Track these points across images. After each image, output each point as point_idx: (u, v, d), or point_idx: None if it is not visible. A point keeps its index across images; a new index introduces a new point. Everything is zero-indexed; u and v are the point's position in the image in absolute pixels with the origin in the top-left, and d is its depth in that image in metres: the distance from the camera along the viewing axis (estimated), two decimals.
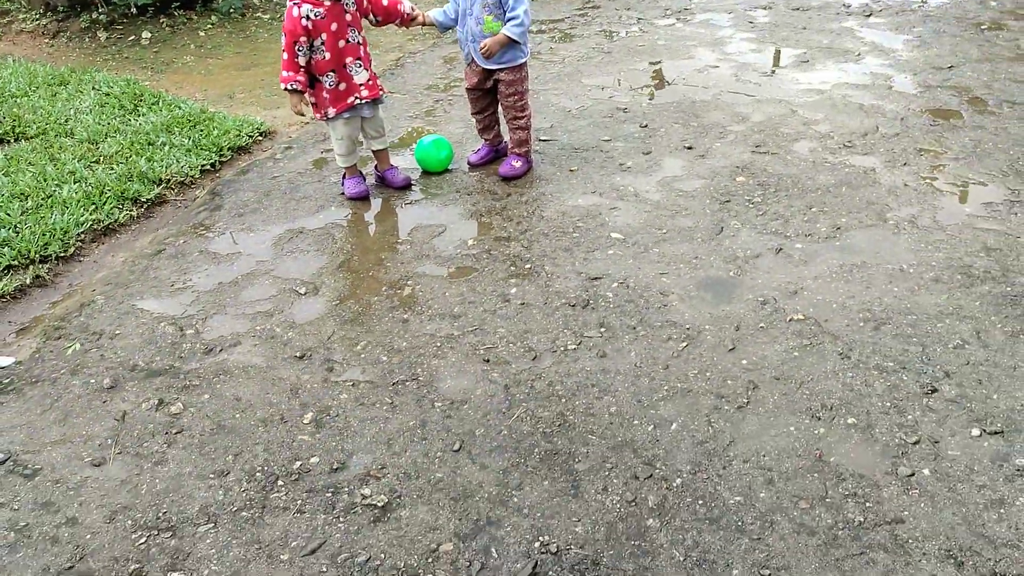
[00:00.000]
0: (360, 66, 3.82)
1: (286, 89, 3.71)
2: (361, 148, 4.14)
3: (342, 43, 3.73)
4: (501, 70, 4.02)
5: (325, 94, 3.80)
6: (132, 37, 6.22)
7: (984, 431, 2.56)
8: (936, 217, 3.67)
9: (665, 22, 6.49)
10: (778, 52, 5.69)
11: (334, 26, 3.68)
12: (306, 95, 3.78)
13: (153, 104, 4.85)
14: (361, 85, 3.84)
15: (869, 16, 6.37)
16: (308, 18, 3.62)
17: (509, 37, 3.88)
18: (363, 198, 4.03)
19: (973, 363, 2.82)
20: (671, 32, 6.24)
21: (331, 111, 3.83)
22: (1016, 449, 2.49)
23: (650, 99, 5.03)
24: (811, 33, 6.05)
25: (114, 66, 5.72)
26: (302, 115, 3.85)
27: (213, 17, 6.59)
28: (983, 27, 6.00)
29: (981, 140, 4.30)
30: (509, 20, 3.86)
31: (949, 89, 4.95)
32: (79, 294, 3.40)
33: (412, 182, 4.16)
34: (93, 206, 3.84)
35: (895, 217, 3.68)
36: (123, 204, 3.91)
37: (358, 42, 3.80)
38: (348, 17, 3.73)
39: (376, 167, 4.18)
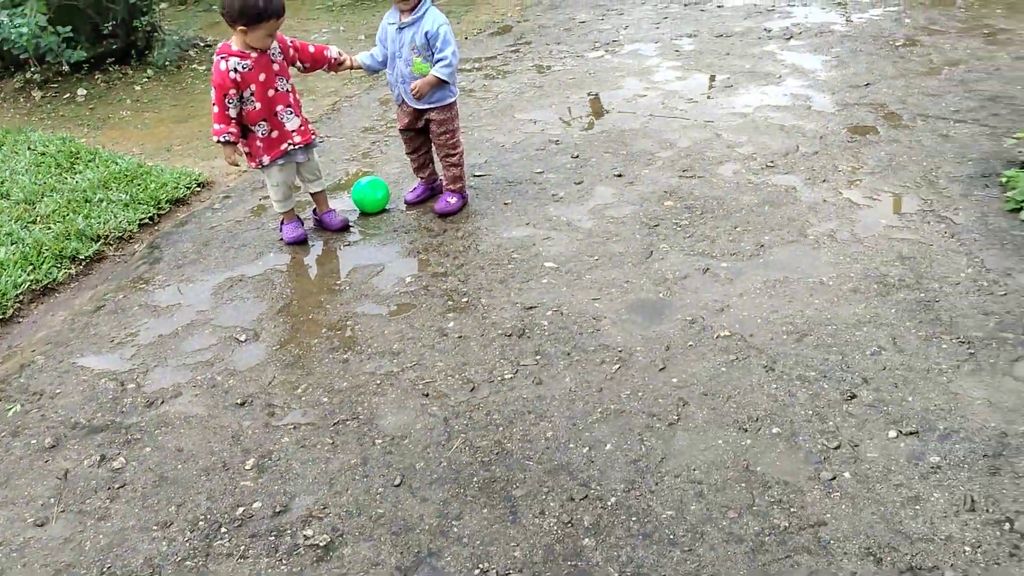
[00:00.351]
0: (291, 113, 3.90)
1: (218, 141, 3.78)
2: (298, 193, 4.21)
3: (271, 92, 3.81)
4: (431, 109, 4.13)
5: (259, 143, 3.87)
6: (67, 95, 6.25)
7: (900, 432, 2.68)
8: (854, 230, 3.82)
9: (594, 55, 6.66)
10: (712, 78, 5.87)
11: (262, 76, 3.75)
12: (239, 145, 3.85)
13: (90, 161, 4.88)
14: (293, 131, 3.92)
15: (789, 39, 6.60)
16: (236, 71, 3.69)
17: (438, 78, 3.99)
18: (301, 242, 4.09)
19: (889, 368, 2.95)
20: (600, 64, 6.41)
21: (265, 159, 3.90)
22: (930, 448, 2.61)
23: (582, 130, 5.17)
24: (734, 58, 6.25)
25: (50, 124, 5.74)
26: (236, 165, 3.91)
27: (149, 71, 6.63)
28: (898, 44, 6.25)
29: (896, 153, 4.48)
30: (437, 61, 3.98)
31: (865, 106, 5.15)
32: (19, 355, 3.42)
33: (350, 224, 4.23)
34: (31, 266, 3.86)
35: (815, 232, 3.83)
36: (61, 263, 3.93)
37: (287, 90, 3.88)
38: (276, 67, 3.81)
39: (314, 211, 4.25)
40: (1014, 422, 2.68)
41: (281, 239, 4.13)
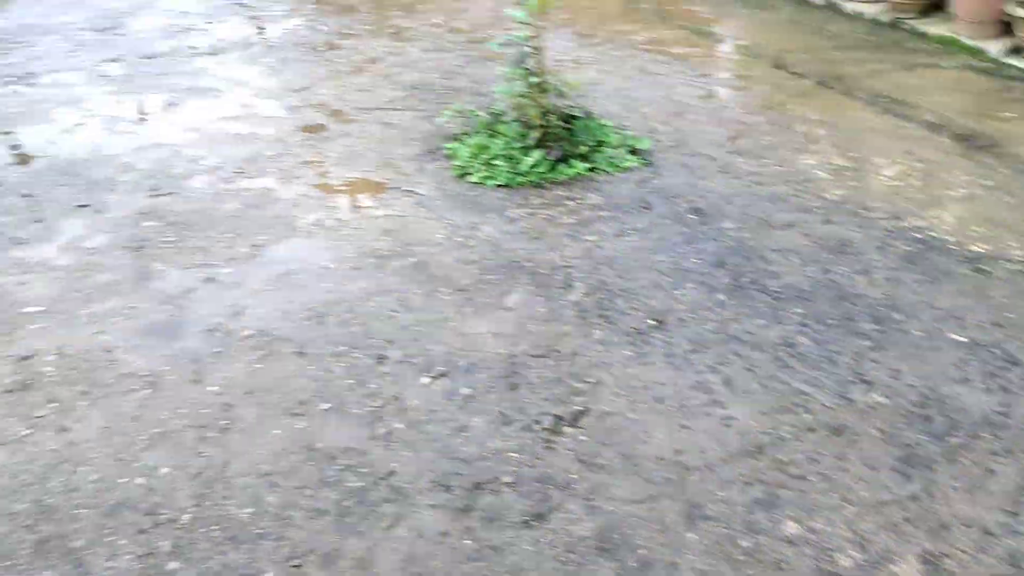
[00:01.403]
0: None
1: None
2: None
3: None
4: None
5: None
6: None
7: (432, 377, 2.98)
8: (338, 216, 4.07)
9: (9, 88, 6.05)
10: (156, 100, 5.69)
11: None
12: None
13: None
14: None
15: (218, 55, 6.66)
16: None
17: None
18: None
19: (406, 327, 3.24)
20: (21, 99, 5.84)
21: None
22: (460, 383, 2.95)
23: (23, 167, 4.69)
24: (169, 77, 6.14)
25: None
26: None
27: None
28: (321, 49, 6.68)
29: (352, 144, 4.83)
30: None
31: (311, 107, 5.44)
32: None
33: None
34: None
35: (304, 224, 4.00)
36: None
37: None
38: None
39: None
40: (516, 344, 3.13)
41: None
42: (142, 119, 5.36)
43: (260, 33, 7.30)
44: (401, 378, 2.97)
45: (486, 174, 4.31)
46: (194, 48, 6.87)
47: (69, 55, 6.83)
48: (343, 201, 4.21)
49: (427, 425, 2.76)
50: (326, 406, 2.85)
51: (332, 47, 6.67)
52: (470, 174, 4.34)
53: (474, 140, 4.53)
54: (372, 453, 2.66)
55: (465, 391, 2.91)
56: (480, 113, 4.67)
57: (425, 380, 2.96)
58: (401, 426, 2.76)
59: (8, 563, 2.28)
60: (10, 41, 7.34)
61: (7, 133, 5.23)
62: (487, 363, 3.03)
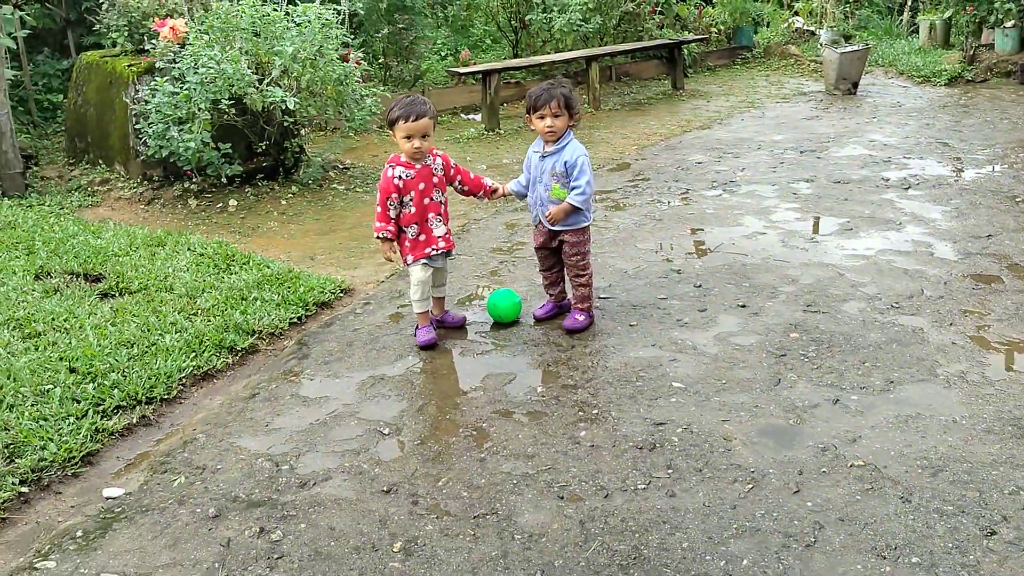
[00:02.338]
0: (440, 221, 4.33)
1: (378, 237, 4.26)
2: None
3: (427, 200, 4.27)
4: (565, 231, 4.40)
5: (407, 243, 4.30)
6: (220, 204, 6.77)
7: None
8: (984, 373, 3.86)
9: (712, 193, 6.91)
10: (834, 222, 6.03)
11: (421, 186, 4.23)
12: (395, 243, 4.27)
13: (244, 264, 5.27)
14: (439, 237, 4.34)
15: (908, 189, 6.74)
16: (400, 178, 4.19)
17: (572, 205, 4.29)
18: (431, 346, 4.34)
19: None
20: (718, 202, 6.65)
21: (410, 258, 4.31)
22: None
23: (703, 262, 5.35)
24: (853, 204, 6.42)
25: (204, 230, 6.21)
26: (391, 260, 4.35)
27: (294, 187, 7.14)
28: (1018, 199, 6.33)
29: (1022, 303, 4.52)
30: (572, 189, 4.28)
31: (988, 256, 5.22)
32: (181, 432, 3.68)
33: (467, 321, 4.59)
34: (193, 354, 4.16)
35: (945, 373, 3.88)
36: (220, 352, 4.23)
37: (440, 201, 4.33)
38: (435, 180, 4.29)
39: (432, 314, 4.49)
40: None
41: (417, 341, 4.37)
42: (816, 239, 5.70)
43: (956, 174, 7.18)
44: (1007, 560, 2.72)
45: None
46: (885, 180, 7.05)
47: (769, 170, 7.54)
48: (995, 359, 3.97)
49: None
50: (915, 560, 2.75)
51: None
52: None
53: None
54: None
55: None
56: None
57: None
58: None
59: None
60: (725, 151, 8.37)
61: (698, 230, 6.00)
62: None
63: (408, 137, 4.13)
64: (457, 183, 4.44)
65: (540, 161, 4.39)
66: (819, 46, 12.83)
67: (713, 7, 13.64)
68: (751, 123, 9.61)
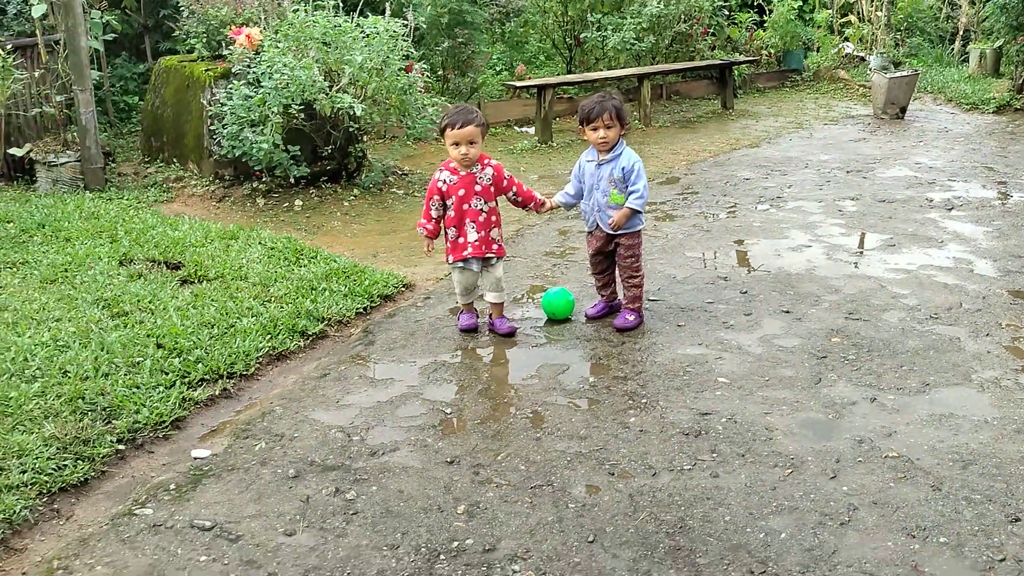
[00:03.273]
0: (474, 228, 4.54)
1: (420, 232, 4.65)
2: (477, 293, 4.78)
3: (465, 206, 4.54)
4: (621, 235, 4.66)
5: (447, 243, 4.64)
6: (286, 204, 7.13)
7: None
8: (1018, 380, 4.04)
9: (759, 208, 7.12)
10: (878, 238, 6.21)
11: (461, 192, 4.51)
12: (433, 241, 4.64)
13: (312, 258, 5.60)
14: (470, 243, 4.55)
15: (951, 210, 6.90)
16: (444, 182, 4.53)
17: (633, 209, 4.55)
18: (471, 330, 4.69)
19: None
20: (765, 216, 6.86)
21: (450, 258, 4.65)
22: None
23: (749, 270, 5.58)
24: (897, 222, 6.59)
25: (272, 227, 6.56)
26: (428, 254, 4.80)
27: (355, 190, 7.49)
28: None
29: None
30: (631, 193, 4.54)
31: None
32: (259, 405, 3.98)
33: (516, 330, 4.68)
34: (268, 335, 4.48)
35: (979, 378, 4.06)
36: (293, 336, 4.54)
37: (481, 209, 4.54)
38: (477, 188, 4.53)
39: (490, 315, 4.75)
40: None
41: (458, 327, 4.71)
42: (860, 253, 5.90)
43: (1000, 197, 7.32)
44: None
45: None
46: (929, 200, 7.21)
47: (816, 188, 7.73)
48: None
49: None
50: (944, 539, 2.95)
51: None
52: None
53: None
54: None
55: None
56: None
57: None
58: None
59: (646, 553, 2.92)
60: (773, 169, 8.57)
61: (745, 241, 6.22)
62: None
63: (456, 143, 4.42)
64: (512, 193, 4.68)
65: (597, 169, 4.65)
66: (868, 71, 12.97)
67: (764, 30, 13.83)
68: (799, 143, 9.80)
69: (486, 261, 4.62)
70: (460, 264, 4.60)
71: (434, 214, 4.56)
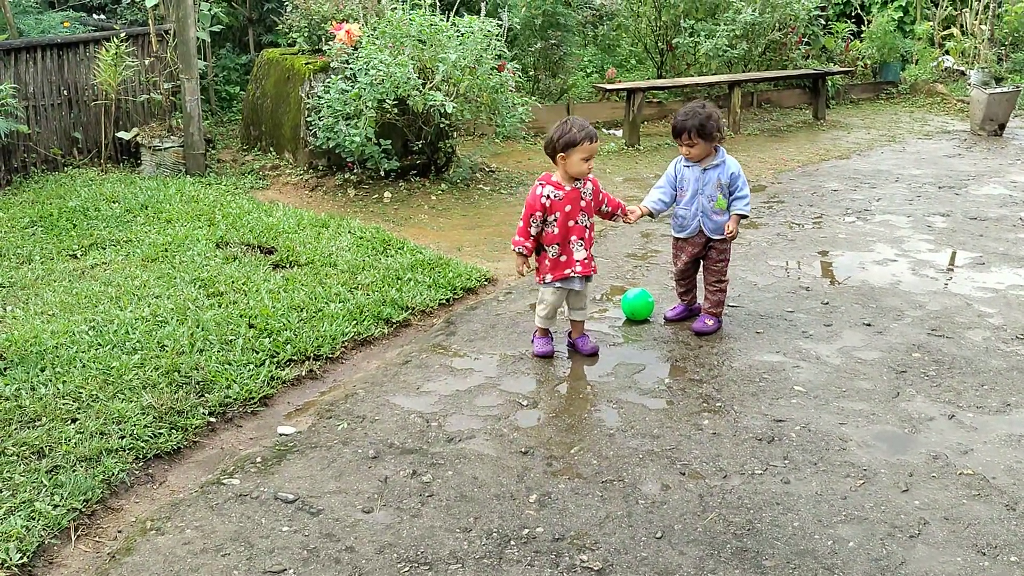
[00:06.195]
0: (581, 245, 4.39)
1: (515, 251, 4.38)
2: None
3: (571, 223, 4.34)
4: (717, 239, 4.69)
5: (547, 261, 4.39)
6: (376, 196, 7.33)
7: None
8: None
9: (846, 219, 7.05)
10: (966, 256, 6.11)
11: (568, 208, 4.31)
12: (530, 260, 4.43)
13: (399, 248, 5.77)
14: (578, 261, 4.39)
15: None
16: (548, 197, 4.28)
17: (742, 215, 4.61)
18: (548, 356, 4.47)
19: None
20: (851, 228, 6.79)
21: (548, 277, 4.40)
22: None
23: (832, 281, 5.54)
24: (987, 240, 6.45)
25: (362, 217, 6.76)
26: (522, 275, 4.58)
27: (443, 185, 7.66)
28: None
29: None
30: (740, 199, 4.61)
31: None
32: (343, 388, 4.14)
33: (598, 351, 4.55)
34: (354, 321, 4.65)
35: None
36: (377, 323, 4.70)
37: (585, 225, 4.39)
38: (583, 203, 4.36)
39: (570, 334, 4.62)
40: None
41: (533, 353, 4.49)
42: (947, 269, 5.80)
43: None
44: None
45: None
46: (1022, 220, 7.03)
47: (905, 202, 7.61)
48: None
49: None
50: (1015, 559, 2.93)
51: None
52: None
53: None
54: None
55: None
56: None
57: None
58: None
59: (713, 552, 2.98)
60: (862, 181, 8.45)
61: (829, 252, 6.18)
62: None
63: (587, 158, 4.24)
64: (604, 206, 4.51)
65: (702, 174, 4.64)
66: (968, 86, 12.63)
67: (861, 41, 13.59)
68: (890, 156, 9.63)
69: (586, 279, 4.51)
70: (559, 284, 4.41)
71: (533, 231, 4.33)
